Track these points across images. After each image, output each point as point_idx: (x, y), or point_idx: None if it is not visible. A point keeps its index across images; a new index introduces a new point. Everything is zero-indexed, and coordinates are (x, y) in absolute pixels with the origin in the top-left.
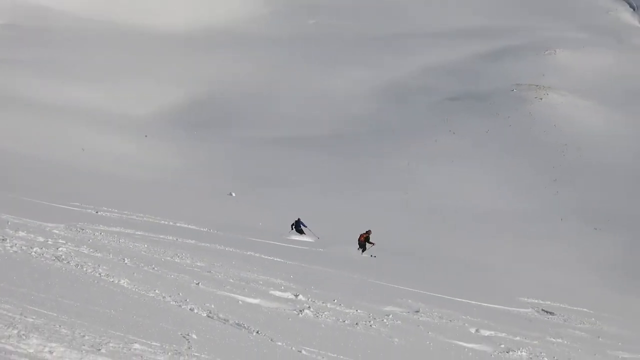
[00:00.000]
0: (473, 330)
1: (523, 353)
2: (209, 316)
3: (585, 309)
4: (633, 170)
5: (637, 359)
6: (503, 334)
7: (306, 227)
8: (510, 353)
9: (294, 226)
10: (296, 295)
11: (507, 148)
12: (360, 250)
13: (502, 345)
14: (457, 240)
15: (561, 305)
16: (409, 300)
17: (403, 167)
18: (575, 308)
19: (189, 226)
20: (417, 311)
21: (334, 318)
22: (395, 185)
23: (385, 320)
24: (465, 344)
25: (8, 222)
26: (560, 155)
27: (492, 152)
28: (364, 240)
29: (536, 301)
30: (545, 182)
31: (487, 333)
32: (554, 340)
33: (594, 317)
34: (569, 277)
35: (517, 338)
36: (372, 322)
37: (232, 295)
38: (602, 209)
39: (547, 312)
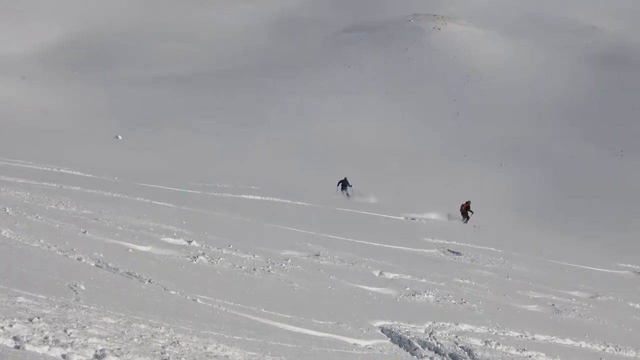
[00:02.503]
0: (377, 273)
1: (430, 296)
2: (97, 265)
3: (492, 248)
4: (538, 102)
5: (548, 298)
6: (408, 277)
7: (351, 186)
8: (416, 296)
9: (340, 184)
10: (189, 242)
11: (405, 82)
12: (464, 219)
13: (408, 288)
14: (353, 182)
15: (468, 245)
16: (309, 244)
17: (297, 104)
18: (482, 247)
19: (74, 172)
20: (318, 255)
21: (230, 264)
22: (289, 123)
23: (284, 265)
24: (368, 288)
25: None
26: (462, 88)
27: (391, 86)
28: (465, 210)
29: (442, 241)
30: (447, 116)
31: (391, 276)
32: (462, 281)
33: (502, 256)
34: (475, 215)
35: (423, 280)
36: (270, 267)
37: (122, 243)
38: (508, 143)
39: (453, 252)
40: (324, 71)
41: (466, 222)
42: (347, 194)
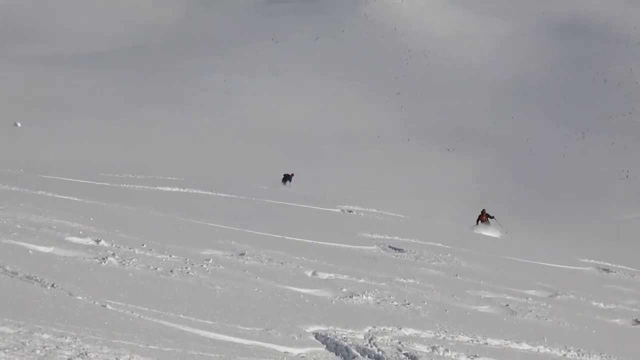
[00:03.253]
0: (309, 273)
1: (369, 297)
2: None
3: (439, 244)
4: (491, 79)
5: (501, 298)
6: (345, 276)
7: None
8: (354, 298)
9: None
10: (97, 241)
11: (340, 57)
12: (477, 224)
13: (344, 289)
14: (286, 169)
15: (411, 240)
16: (233, 242)
17: (219, 84)
18: (427, 243)
19: None
20: (243, 254)
21: (144, 265)
22: (211, 106)
23: (204, 266)
24: (300, 290)
25: None
26: (404, 64)
27: (324, 64)
28: (485, 219)
29: (382, 237)
30: (387, 96)
31: (326, 276)
32: (405, 280)
33: (450, 252)
34: (419, 205)
35: (362, 280)
36: (189, 268)
37: (21, 243)
38: (456, 126)
39: (395, 248)
40: (249, 47)
41: (476, 225)
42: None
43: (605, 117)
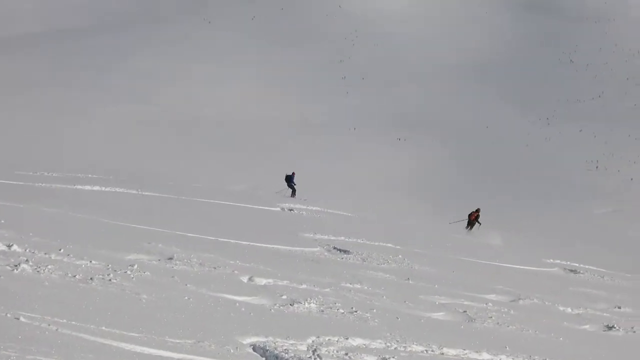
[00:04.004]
0: (245, 279)
1: (312, 305)
2: None
3: (389, 244)
4: (446, 61)
5: (458, 304)
6: (285, 282)
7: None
8: (295, 305)
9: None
10: (9, 246)
11: (279, 38)
12: (469, 227)
13: (285, 296)
14: (219, 163)
15: (358, 240)
16: (160, 245)
17: (147, 70)
18: (376, 243)
19: None
20: (171, 258)
21: (61, 273)
22: (139, 93)
23: (129, 272)
24: (235, 297)
25: None
26: (349, 45)
27: (262, 46)
28: (474, 219)
29: (326, 237)
30: (331, 80)
31: (264, 281)
32: (351, 285)
33: (401, 253)
34: (366, 201)
35: (304, 286)
36: (111, 275)
37: None
38: (408, 113)
39: (340, 250)
40: (179, 28)
41: (470, 230)
42: (293, 191)
43: (572, 102)
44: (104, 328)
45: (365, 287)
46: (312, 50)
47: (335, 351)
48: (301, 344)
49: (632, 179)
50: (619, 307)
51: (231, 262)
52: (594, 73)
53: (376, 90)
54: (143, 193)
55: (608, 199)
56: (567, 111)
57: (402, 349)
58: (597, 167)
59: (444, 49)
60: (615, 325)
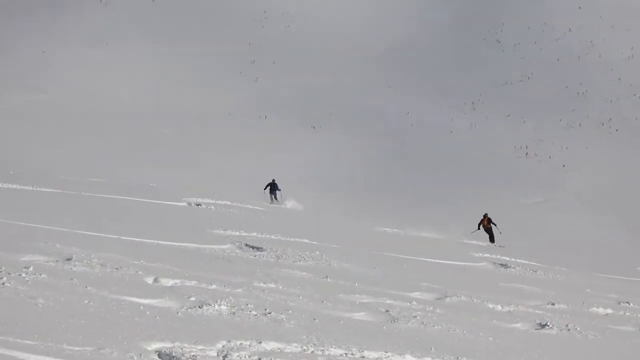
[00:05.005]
0: (150, 280)
1: (222, 306)
2: None
3: (305, 240)
4: (365, 45)
5: (380, 303)
6: (193, 282)
7: (279, 190)
8: (205, 308)
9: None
10: None
11: (183, 21)
12: (491, 241)
13: (193, 298)
14: (119, 157)
15: (272, 236)
16: (57, 245)
17: (37, 56)
18: (291, 239)
19: None
20: (70, 259)
21: None
22: (29, 82)
23: (23, 275)
24: (139, 300)
25: None
26: (259, 27)
27: (162, 28)
28: (487, 224)
29: (237, 233)
30: (239, 65)
31: (170, 282)
32: (265, 285)
33: (319, 249)
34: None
35: (213, 286)
36: (4, 278)
37: None
38: (323, 101)
39: (253, 247)
40: (71, 10)
41: (494, 242)
42: (276, 199)
43: (499, 85)
44: None
45: (280, 287)
46: (218, 33)
47: (247, 356)
48: (210, 350)
49: (564, 166)
50: (553, 304)
51: (135, 262)
52: (522, 54)
53: (288, 75)
54: (38, 189)
55: (539, 188)
56: (494, 95)
57: (320, 352)
58: (526, 154)
59: (360, 31)
60: (548, 323)
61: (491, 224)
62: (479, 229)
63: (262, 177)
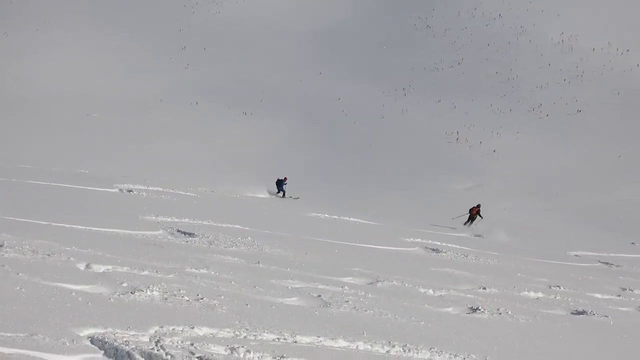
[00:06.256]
0: (82, 266)
1: (154, 292)
2: None
3: (237, 226)
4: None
5: (312, 288)
6: (125, 268)
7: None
8: (137, 294)
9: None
10: None
11: (111, 6)
12: (469, 222)
13: (125, 284)
14: (48, 144)
15: (204, 222)
16: None
17: None
18: (223, 225)
19: None
20: (1, 245)
21: None
22: None
23: None
24: (71, 286)
25: None
26: (189, 13)
27: (93, 13)
28: (475, 214)
29: (169, 219)
30: (170, 51)
31: (102, 268)
32: (197, 271)
33: (251, 235)
34: (211, 179)
35: (145, 272)
36: None
37: None
38: (255, 86)
39: (185, 233)
40: None
41: (470, 225)
42: (283, 193)
43: (429, 70)
44: None
45: (212, 272)
46: (148, 18)
47: (180, 342)
48: (143, 335)
49: (494, 151)
50: (484, 288)
51: (67, 248)
52: (452, 39)
53: (219, 61)
54: None
55: (470, 173)
56: (425, 80)
57: (252, 337)
58: (457, 139)
59: (290, 16)
60: (480, 307)
61: (478, 215)
62: (469, 213)
63: (193, 163)
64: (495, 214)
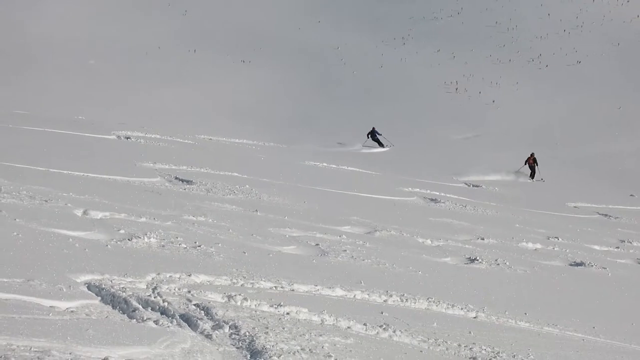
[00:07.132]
0: (79, 212)
1: (152, 239)
2: None
3: (235, 173)
4: None
5: (310, 236)
6: (122, 215)
7: (381, 135)
8: (134, 240)
9: (369, 135)
10: None
11: None
12: (531, 176)
13: (122, 231)
14: (46, 89)
15: (202, 169)
16: None
17: None
18: (221, 173)
19: None
20: None
21: None
22: None
23: None
24: (68, 232)
25: None
26: None
27: None
28: (532, 163)
29: (166, 167)
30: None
31: (99, 215)
32: (195, 218)
33: (249, 183)
34: (209, 127)
35: (143, 219)
36: None
37: None
38: (249, 34)
39: (182, 180)
40: None
41: (533, 178)
42: (381, 143)
43: (428, 20)
44: None
45: (210, 220)
46: None
47: (177, 289)
48: (140, 282)
49: (493, 102)
50: (482, 239)
51: (64, 194)
52: None
53: (216, 8)
54: None
55: (469, 123)
56: (424, 30)
57: (250, 285)
58: (456, 89)
59: None
60: (477, 258)
61: (535, 164)
62: (525, 164)
63: (191, 110)
64: (493, 163)
